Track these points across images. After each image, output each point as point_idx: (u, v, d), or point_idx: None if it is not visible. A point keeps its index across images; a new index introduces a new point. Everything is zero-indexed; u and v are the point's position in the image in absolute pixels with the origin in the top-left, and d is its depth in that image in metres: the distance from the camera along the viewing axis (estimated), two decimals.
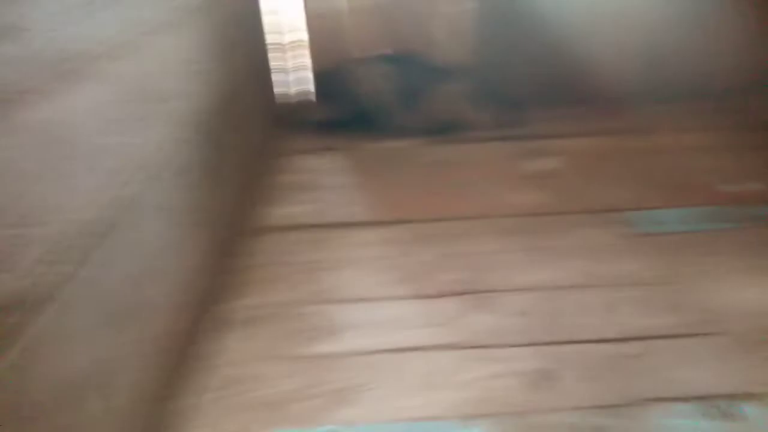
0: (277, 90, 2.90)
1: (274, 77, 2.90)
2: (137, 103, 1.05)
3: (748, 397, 1.18)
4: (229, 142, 1.80)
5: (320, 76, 2.81)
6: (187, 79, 1.33)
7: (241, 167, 1.86)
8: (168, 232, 1.09)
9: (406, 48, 2.84)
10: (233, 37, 1.90)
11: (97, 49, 0.90)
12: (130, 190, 0.98)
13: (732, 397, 1.18)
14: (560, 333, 1.35)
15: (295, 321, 1.39)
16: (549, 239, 1.76)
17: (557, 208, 1.95)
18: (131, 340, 0.88)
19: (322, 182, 2.24)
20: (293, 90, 2.96)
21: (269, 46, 2.83)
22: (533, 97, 2.96)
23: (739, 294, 1.48)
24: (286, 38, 2.88)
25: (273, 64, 2.88)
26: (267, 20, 2.77)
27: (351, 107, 2.72)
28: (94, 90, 0.89)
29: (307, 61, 2.89)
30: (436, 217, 1.91)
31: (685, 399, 1.18)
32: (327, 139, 2.67)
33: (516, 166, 2.32)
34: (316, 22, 2.81)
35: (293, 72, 2.94)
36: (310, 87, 2.92)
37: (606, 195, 2.02)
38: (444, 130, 2.64)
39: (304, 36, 2.84)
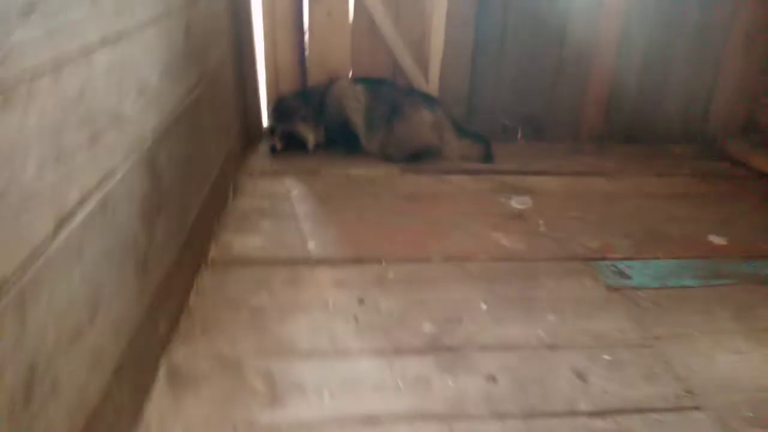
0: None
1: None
2: (82, 128, 0.90)
3: None
4: (192, 166, 1.64)
5: (280, 98, 2.67)
6: (148, 97, 1.18)
7: (202, 191, 1.71)
8: (110, 273, 0.93)
9: (378, 71, 2.74)
10: (205, 42, 1.76)
11: (33, 63, 0.75)
12: (68, 229, 0.83)
13: None
14: (530, 403, 1.23)
15: (236, 380, 1.24)
16: (518, 289, 1.65)
17: (528, 255, 1.85)
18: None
19: (283, 209, 2.10)
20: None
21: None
22: (515, 130, 2.89)
23: (717, 362, 1.40)
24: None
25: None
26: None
27: (319, 129, 2.59)
28: (30, 113, 0.74)
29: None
30: (401, 257, 1.78)
31: None
32: (295, 161, 2.53)
33: (488, 203, 2.22)
34: (274, 41, 2.69)
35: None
36: (264, 107, 2.78)
37: (578, 242, 1.94)
38: (417, 157, 2.53)
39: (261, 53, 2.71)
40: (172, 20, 1.41)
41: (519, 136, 2.91)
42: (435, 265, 1.76)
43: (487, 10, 2.64)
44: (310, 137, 2.57)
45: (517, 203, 2.21)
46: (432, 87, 2.76)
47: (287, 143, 2.59)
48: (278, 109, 2.65)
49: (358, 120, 2.53)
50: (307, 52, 2.72)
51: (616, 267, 1.79)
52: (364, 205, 2.14)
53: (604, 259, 1.83)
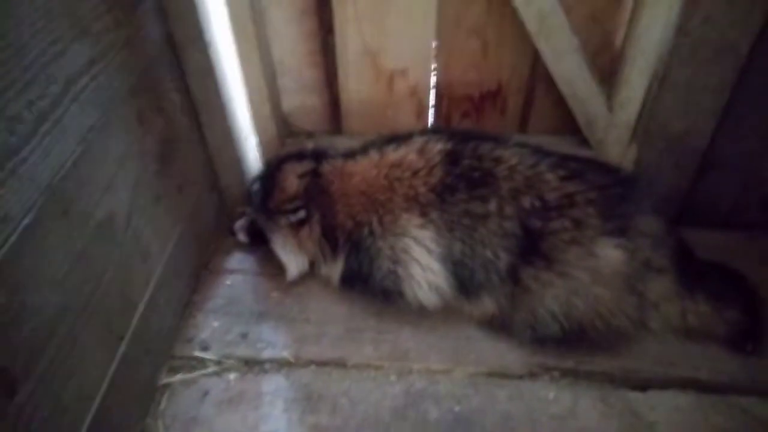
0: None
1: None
2: None
3: None
4: None
5: (279, 159, 1.25)
6: None
7: None
8: None
9: (495, 77, 1.20)
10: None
11: None
12: None
13: None
14: None
15: None
16: None
17: None
18: None
19: None
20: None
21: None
22: None
23: None
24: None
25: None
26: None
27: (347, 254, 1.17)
28: None
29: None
30: None
31: None
32: (295, 306, 1.19)
33: None
34: (259, 17, 1.17)
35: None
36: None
37: None
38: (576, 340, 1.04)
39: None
40: None
41: None
42: None
43: None
44: (292, 266, 1.20)
45: None
46: (622, 121, 1.21)
47: (256, 239, 1.29)
48: (267, 177, 1.24)
49: (426, 294, 1.08)
50: (336, 37, 1.22)
51: None
52: None
53: None
